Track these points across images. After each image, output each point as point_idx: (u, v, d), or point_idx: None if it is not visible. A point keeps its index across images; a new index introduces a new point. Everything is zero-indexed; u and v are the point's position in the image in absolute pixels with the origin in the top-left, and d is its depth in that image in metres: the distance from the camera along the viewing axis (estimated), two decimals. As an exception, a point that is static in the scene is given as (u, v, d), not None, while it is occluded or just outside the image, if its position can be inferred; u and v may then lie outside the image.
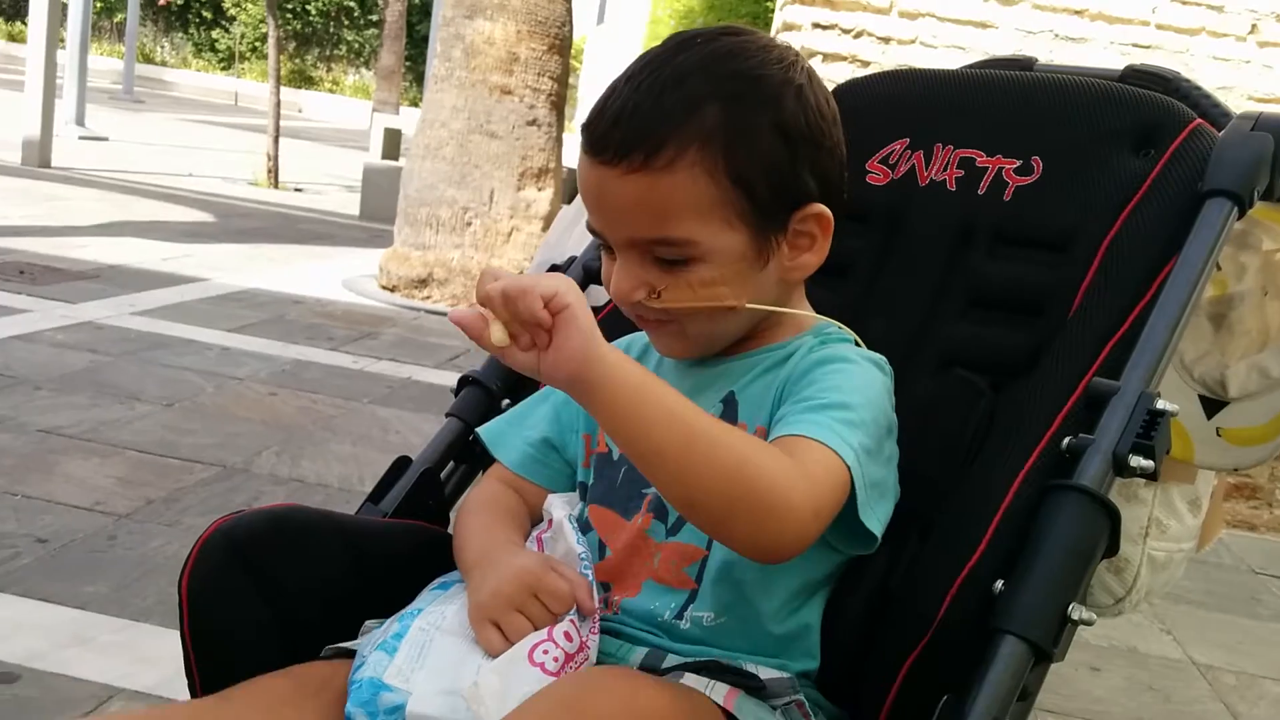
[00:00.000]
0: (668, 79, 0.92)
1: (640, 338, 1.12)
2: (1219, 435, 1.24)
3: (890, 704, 0.94)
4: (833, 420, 0.91)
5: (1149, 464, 0.92)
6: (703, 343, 1.02)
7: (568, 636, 0.88)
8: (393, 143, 9.36)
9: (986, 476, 1.00)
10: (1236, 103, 3.65)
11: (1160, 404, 0.94)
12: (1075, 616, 0.87)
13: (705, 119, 0.91)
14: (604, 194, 0.94)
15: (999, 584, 0.90)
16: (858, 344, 1.05)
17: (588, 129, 0.94)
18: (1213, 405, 1.23)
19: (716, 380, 1.03)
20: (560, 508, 1.04)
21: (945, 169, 1.24)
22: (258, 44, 23.74)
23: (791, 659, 0.97)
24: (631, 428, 0.83)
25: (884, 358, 1.03)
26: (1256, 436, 1.23)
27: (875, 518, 0.92)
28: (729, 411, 1.01)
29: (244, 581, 0.94)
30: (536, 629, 0.89)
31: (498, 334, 0.81)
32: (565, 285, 0.80)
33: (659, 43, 0.98)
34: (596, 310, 1.31)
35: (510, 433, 1.14)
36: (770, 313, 1.01)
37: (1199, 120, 1.16)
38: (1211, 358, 1.22)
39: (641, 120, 0.91)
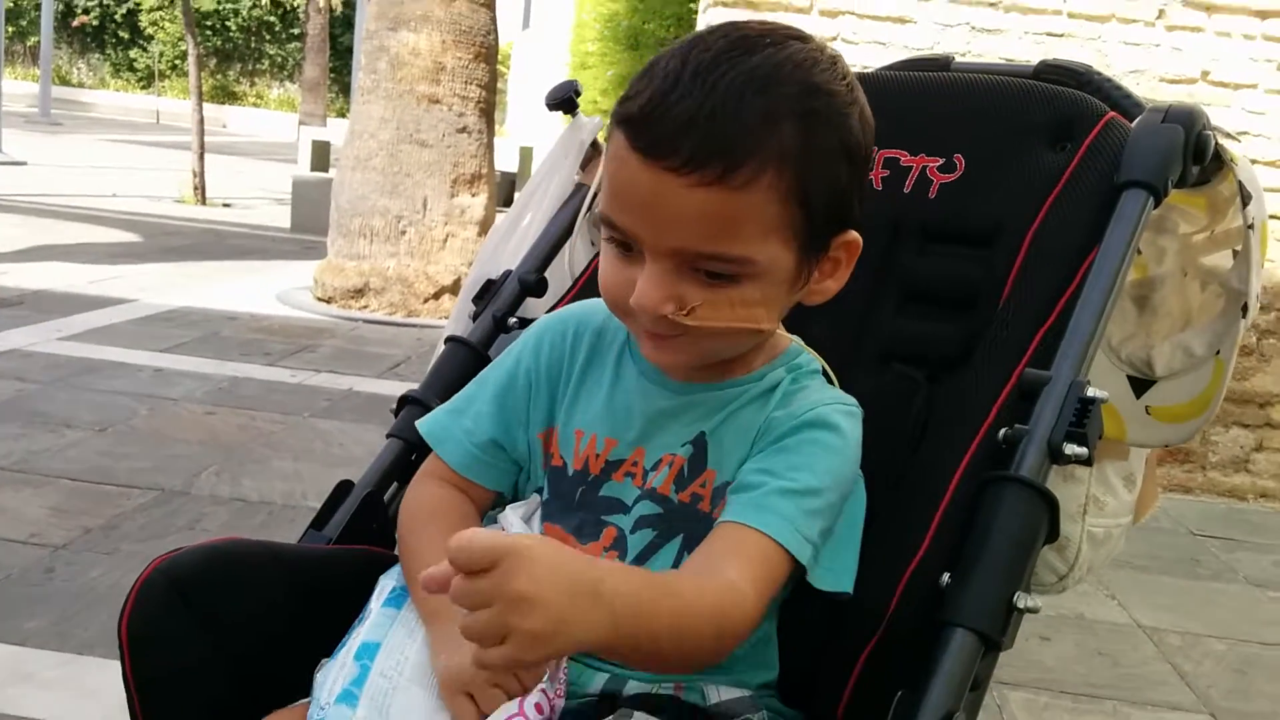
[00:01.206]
0: (745, 85, 0.84)
1: (587, 323, 1.07)
2: (1148, 414, 1.27)
3: (846, 703, 0.95)
4: (796, 511, 0.90)
5: (1083, 451, 0.94)
6: (701, 358, 0.96)
7: (539, 709, 0.87)
8: (321, 154, 9.27)
9: (928, 470, 1.02)
10: (1149, 85, 3.74)
11: (1091, 391, 0.96)
12: (1021, 605, 0.89)
13: (785, 137, 0.84)
14: (661, 200, 0.84)
15: (946, 577, 0.91)
16: (826, 373, 1.03)
17: (641, 124, 0.85)
18: (1141, 385, 1.26)
19: (686, 412, 1.00)
20: (521, 530, 1.01)
21: (871, 169, 1.25)
22: (178, 61, 23.35)
23: (752, 674, 0.97)
24: (617, 653, 0.83)
25: (854, 400, 1.01)
26: (1184, 413, 1.26)
27: (839, 576, 0.94)
28: (697, 455, 0.98)
29: (186, 621, 0.92)
30: (510, 699, 0.88)
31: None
32: (532, 624, 0.69)
33: (709, 31, 0.89)
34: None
35: (452, 426, 1.08)
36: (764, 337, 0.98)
37: (1111, 113, 1.19)
38: (1137, 339, 1.25)
39: (720, 131, 0.82)
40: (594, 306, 1.07)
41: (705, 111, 0.83)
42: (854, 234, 0.95)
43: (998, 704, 2.24)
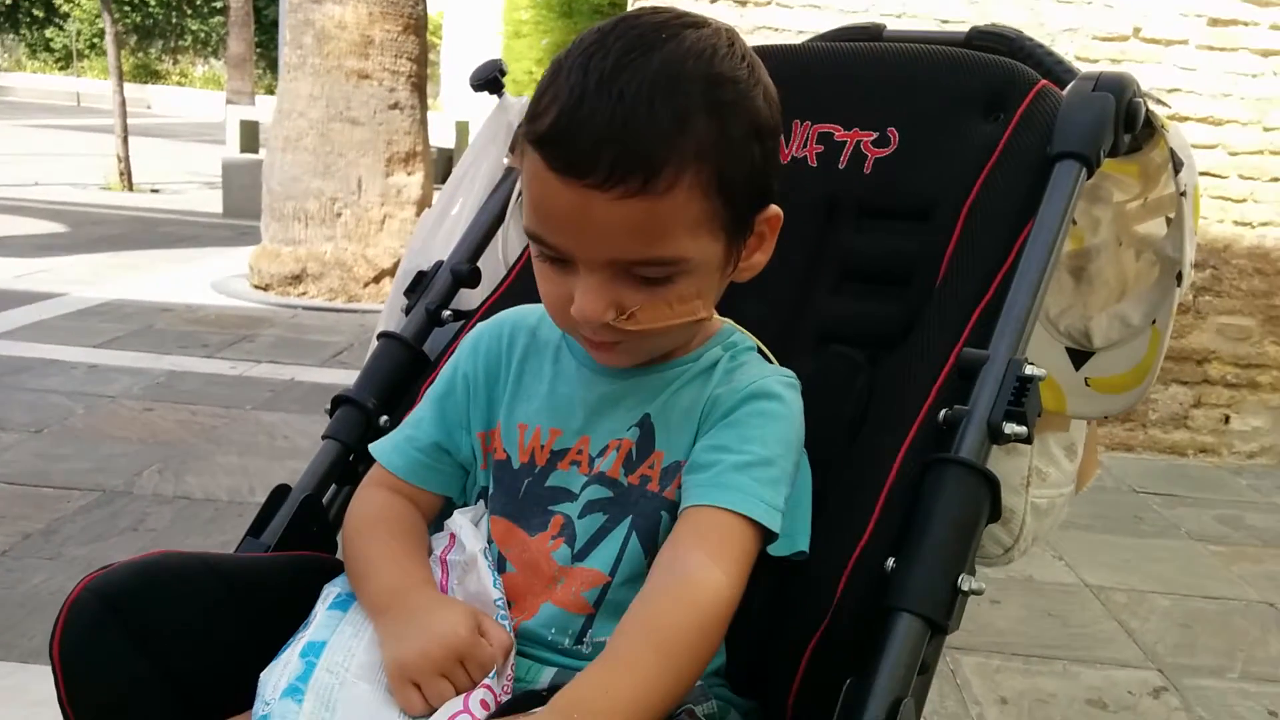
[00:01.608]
0: (652, 89, 0.83)
1: (522, 323, 1.08)
2: (1088, 385, 1.27)
3: (796, 690, 0.94)
4: (754, 483, 0.92)
5: (1022, 430, 0.94)
6: (647, 354, 0.98)
7: (484, 704, 0.86)
8: (250, 135, 9.09)
9: (870, 453, 1.02)
10: (1081, 43, 3.77)
11: (1029, 369, 0.96)
12: (965, 588, 0.89)
13: (699, 134, 0.84)
14: (586, 217, 0.84)
15: (890, 562, 0.91)
16: (761, 352, 1.04)
17: (554, 144, 0.84)
18: (1079, 356, 1.27)
19: (628, 395, 1.00)
20: (471, 535, 1.01)
21: (805, 145, 1.24)
22: (96, 40, 22.77)
23: None
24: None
25: (791, 373, 1.02)
26: (1123, 384, 1.27)
27: (795, 539, 0.96)
28: (645, 437, 0.99)
29: (120, 640, 0.90)
30: (458, 692, 0.87)
31: None
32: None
33: (600, 29, 0.88)
34: (473, 312, 1.29)
35: (396, 436, 1.09)
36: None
37: (1043, 82, 1.18)
38: (1074, 310, 1.26)
39: (635, 140, 0.82)
40: (529, 309, 1.09)
41: (618, 122, 0.82)
42: (775, 208, 0.97)
43: (951, 669, 2.28)
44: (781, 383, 0.99)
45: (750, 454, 0.93)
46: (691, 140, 0.84)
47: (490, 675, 0.89)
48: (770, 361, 1.05)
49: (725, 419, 0.96)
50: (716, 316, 1.04)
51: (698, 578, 0.87)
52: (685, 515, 0.92)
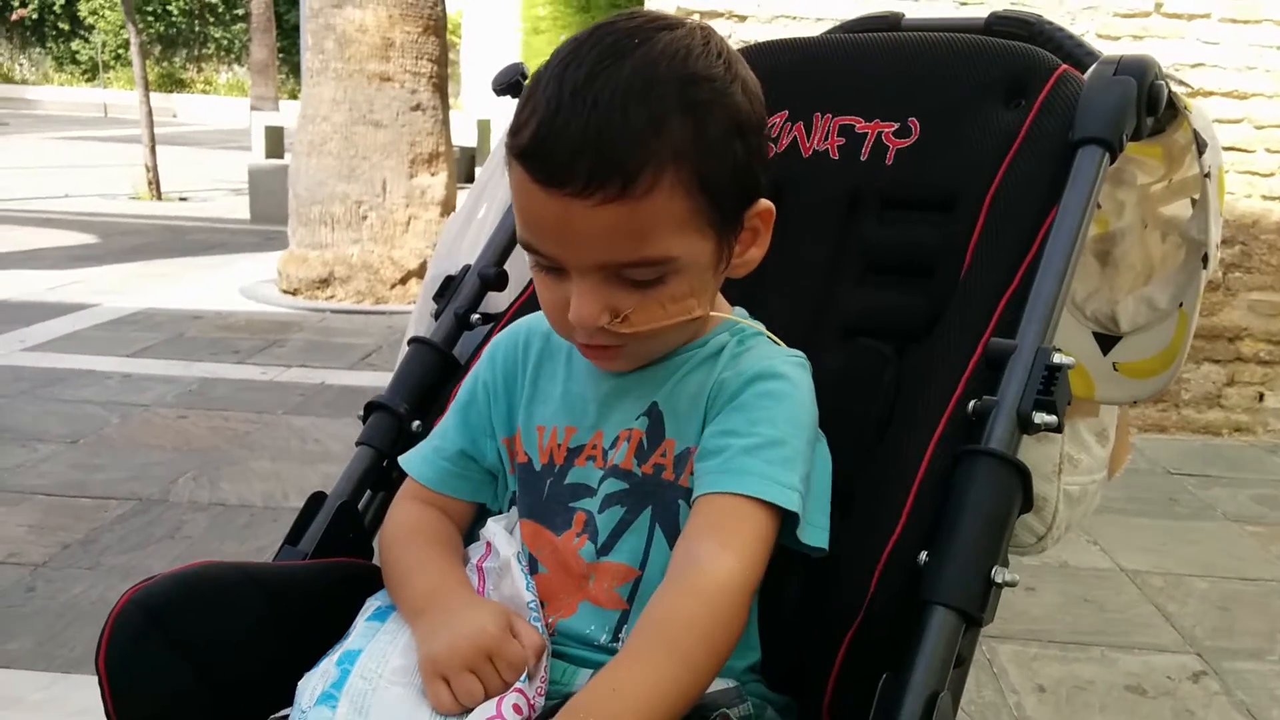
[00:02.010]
0: (625, 96, 0.84)
1: (536, 329, 1.09)
2: (1116, 370, 1.27)
3: (832, 686, 0.95)
4: (767, 465, 0.91)
5: (1052, 419, 0.93)
6: (647, 357, 0.99)
7: (516, 709, 0.86)
8: (275, 140, 9.15)
9: (900, 446, 1.01)
10: (1104, 20, 3.73)
11: (1057, 358, 0.95)
12: (999, 579, 0.89)
13: (675, 135, 0.86)
14: (571, 225, 0.86)
15: (923, 555, 0.91)
16: (770, 338, 1.04)
17: (534, 156, 0.86)
18: (1107, 341, 1.26)
19: (636, 386, 1.01)
20: (505, 540, 1.02)
21: (826, 138, 1.24)
22: (121, 51, 22.97)
23: (736, 657, 0.97)
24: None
25: (801, 353, 1.02)
26: (1151, 368, 1.27)
27: (817, 532, 0.95)
28: (654, 426, 0.99)
29: (165, 652, 0.91)
30: (488, 692, 0.87)
31: None
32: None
33: (576, 39, 0.90)
34: (501, 314, 1.30)
35: (423, 448, 1.11)
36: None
37: (1064, 67, 1.17)
38: (1101, 295, 1.25)
39: (611, 147, 0.84)
40: (543, 315, 1.09)
41: (592, 130, 0.84)
42: (765, 202, 0.98)
43: (987, 658, 2.27)
44: (789, 363, 0.99)
45: (759, 435, 0.93)
46: (668, 142, 0.85)
47: (523, 678, 0.89)
48: (778, 345, 1.05)
49: (732, 402, 0.96)
50: (725, 303, 1.05)
51: (707, 566, 0.86)
52: (697, 504, 0.92)
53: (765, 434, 0.93)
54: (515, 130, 0.89)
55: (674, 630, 0.84)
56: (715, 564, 0.87)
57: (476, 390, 1.09)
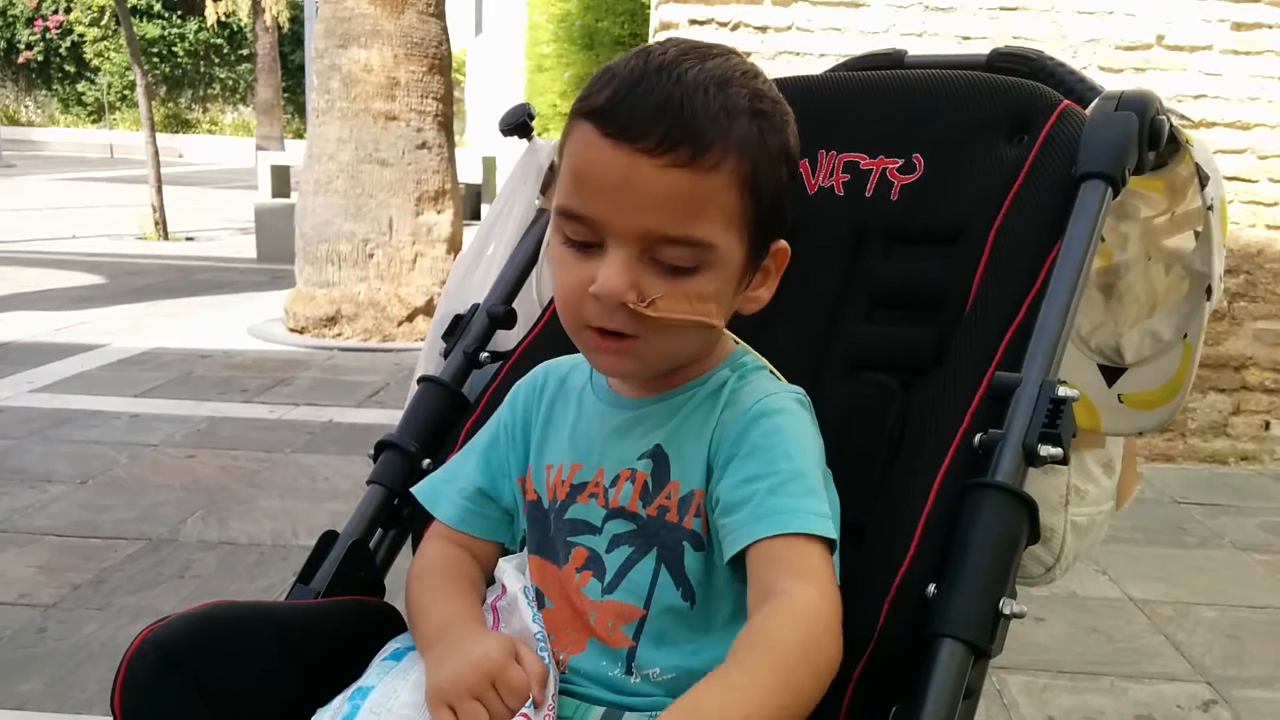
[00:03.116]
0: (707, 80, 0.90)
1: (554, 371, 1.11)
2: (1121, 402, 1.27)
3: (844, 718, 0.95)
4: (798, 500, 0.91)
5: (1058, 451, 0.94)
6: (653, 364, 0.98)
7: None
8: (281, 180, 9.22)
9: (907, 480, 1.02)
10: (1106, 54, 3.77)
11: (1062, 391, 0.96)
12: (1007, 611, 0.89)
13: (742, 129, 0.91)
14: (631, 183, 0.88)
15: (931, 587, 0.91)
16: (772, 373, 1.05)
17: (610, 112, 0.89)
18: (1112, 373, 1.27)
19: (638, 425, 1.02)
20: (514, 577, 1.03)
21: (831, 175, 1.26)
22: (127, 92, 23.17)
23: None
24: None
25: (801, 389, 1.03)
26: (1156, 400, 1.27)
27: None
28: (659, 469, 0.99)
29: (181, 692, 0.91)
30: (492, 718, 0.88)
31: None
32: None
33: (659, 44, 0.94)
34: (510, 352, 1.31)
35: (444, 489, 1.12)
36: (712, 339, 1.01)
37: (1066, 102, 1.19)
38: (1106, 327, 1.26)
39: (690, 117, 0.88)
40: (563, 360, 1.13)
41: (675, 100, 0.88)
42: (784, 243, 1.01)
43: (997, 689, 2.26)
44: (789, 398, 1.00)
45: (780, 473, 0.92)
46: (736, 132, 0.90)
47: (528, 705, 0.89)
48: (779, 380, 1.05)
49: (739, 447, 0.95)
50: (729, 336, 1.05)
51: (793, 596, 0.86)
52: (750, 559, 0.90)
53: (785, 469, 0.93)
54: (586, 96, 0.92)
55: (777, 653, 0.84)
56: (800, 592, 0.86)
57: (499, 433, 1.12)
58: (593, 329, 0.94)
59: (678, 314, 0.92)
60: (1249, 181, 3.83)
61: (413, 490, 1.14)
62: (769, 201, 0.94)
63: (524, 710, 0.89)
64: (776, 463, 0.93)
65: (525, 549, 1.08)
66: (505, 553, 1.10)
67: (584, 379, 1.09)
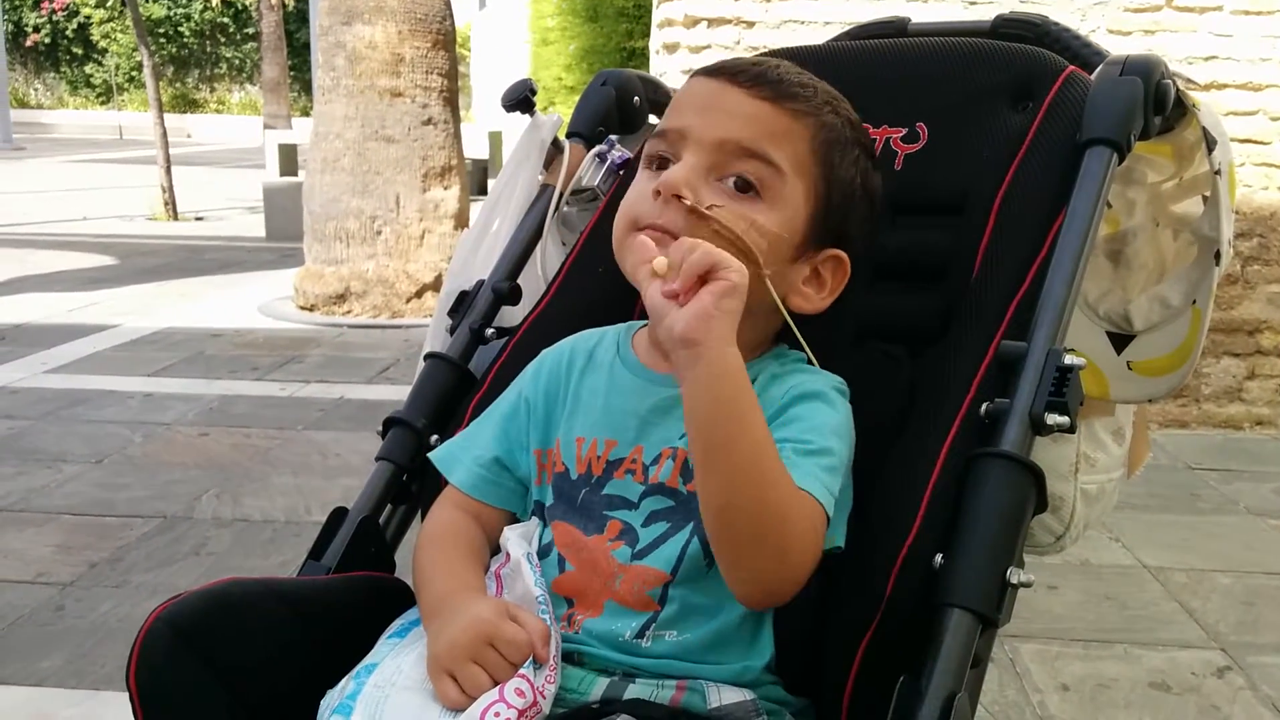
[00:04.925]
0: (801, 72, 1.05)
1: (581, 346, 1.12)
2: (1130, 369, 1.27)
3: (850, 690, 0.95)
4: (818, 469, 0.94)
5: (1065, 420, 0.94)
6: None
7: (520, 693, 0.87)
8: (289, 158, 9.19)
9: (914, 450, 1.02)
10: (1114, 16, 3.73)
11: (1068, 359, 0.96)
12: (1014, 580, 0.89)
13: (830, 116, 1.03)
14: (719, 100, 1.00)
15: (939, 558, 0.92)
16: (811, 362, 1.06)
17: (717, 65, 1.04)
18: (1121, 340, 1.27)
19: (679, 404, 0.99)
20: (517, 543, 1.03)
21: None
22: (134, 73, 23.14)
23: (755, 656, 0.98)
24: (717, 411, 0.87)
25: (842, 380, 1.05)
26: (1165, 366, 1.27)
27: (838, 535, 0.97)
28: None
29: (195, 669, 0.92)
30: (494, 680, 0.89)
31: (660, 263, 0.88)
32: (738, 271, 0.86)
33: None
34: (516, 328, 1.31)
35: (461, 455, 1.12)
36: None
37: (1071, 68, 1.18)
38: (1114, 294, 1.25)
39: (784, 79, 1.02)
40: (589, 334, 1.15)
41: (774, 71, 1.03)
42: (843, 253, 1.05)
43: (1010, 657, 2.26)
44: (832, 386, 1.03)
45: (811, 442, 0.95)
46: (826, 113, 1.02)
47: (528, 664, 0.90)
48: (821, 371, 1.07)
49: (779, 417, 0.98)
50: (772, 337, 1.08)
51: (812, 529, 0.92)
52: None
53: (816, 442, 0.96)
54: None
55: (792, 513, 0.90)
56: (813, 537, 0.91)
57: (519, 404, 1.12)
58: (641, 229, 0.98)
59: (732, 225, 0.96)
60: (1261, 144, 3.79)
61: (430, 455, 1.14)
62: (839, 193, 1.02)
63: (524, 671, 0.89)
64: (809, 433, 0.96)
65: (534, 516, 1.09)
66: (513, 521, 1.11)
67: (611, 352, 1.11)
